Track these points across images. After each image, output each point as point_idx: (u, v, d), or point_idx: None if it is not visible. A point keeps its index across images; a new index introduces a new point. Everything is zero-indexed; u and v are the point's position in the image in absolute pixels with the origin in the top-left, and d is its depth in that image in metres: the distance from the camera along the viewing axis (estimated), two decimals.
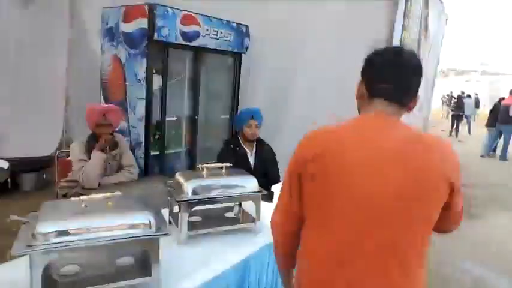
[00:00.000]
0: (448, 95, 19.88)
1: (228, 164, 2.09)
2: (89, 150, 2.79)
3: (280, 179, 3.14)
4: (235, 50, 3.85)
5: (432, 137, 1.11)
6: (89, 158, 2.75)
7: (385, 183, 1.02)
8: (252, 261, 1.83)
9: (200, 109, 3.78)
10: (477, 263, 3.57)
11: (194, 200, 1.84)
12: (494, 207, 5.37)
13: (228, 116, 4.10)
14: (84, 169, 2.71)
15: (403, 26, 3.34)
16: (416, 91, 1.16)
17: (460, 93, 15.90)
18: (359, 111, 1.23)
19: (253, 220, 2.04)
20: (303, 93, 3.89)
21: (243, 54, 4.00)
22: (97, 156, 2.75)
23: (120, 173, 2.93)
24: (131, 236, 1.40)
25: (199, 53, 3.61)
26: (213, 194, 1.90)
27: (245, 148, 3.02)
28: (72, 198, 1.47)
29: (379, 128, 1.11)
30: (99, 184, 2.77)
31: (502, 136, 8.92)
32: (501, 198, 5.79)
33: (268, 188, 2.52)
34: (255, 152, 3.05)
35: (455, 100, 14.75)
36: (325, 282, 1.09)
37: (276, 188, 2.69)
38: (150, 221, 1.45)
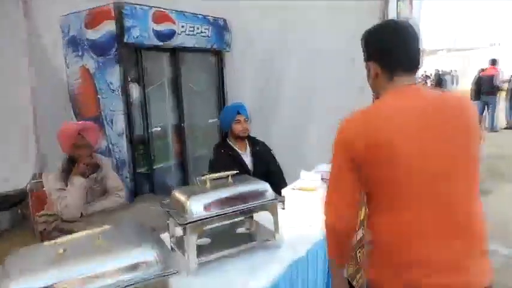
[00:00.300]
0: (422, 75, 20.07)
1: (234, 172, 1.76)
2: (65, 177, 2.42)
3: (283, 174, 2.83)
4: (216, 47, 3.52)
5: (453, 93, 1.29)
6: (67, 185, 2.38)
7: (437, 147, 1.09)
8: (281, 284, 1.51)
9: (185, 115, 3.43)
10: (501, 242, 3.35)
11: (203, 219, 1.51)
12: (498, 180, 5.19)
13: (216, 120, 3.75)
14: (62, 199, 2.33)
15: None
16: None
17: (435, 71, 16.03)
18: (376, 92, 1.26)
19: (272, 234, 1.71)
20: (295, 90, 3.58)
21: (226, 52, 3.67)
22: (77, 182, 2.38)
23: (106, 198, 2.56)
24: (132, 282, 1.06)
25: (177, 53, 3.26)
26: (224, 208, 1.56)
27: (238, 150, 2.70)
28: (46, 243, 1.11)
29: (415, 99, 1.16)
30: (81, 214, 2.40)
31: (487, 108, 8.87)
32: (502, 171, 5.64)
33: (276, 191, 2.24)
34: (250, 151, 2.74)
35: (432, 79, 14.83)
36: (423, 257, 1.10)
37: (287, 192, 2.38)
38: (154, 257, 1.11)
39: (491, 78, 8.42)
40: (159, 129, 3.26)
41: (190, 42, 3.25)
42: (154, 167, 3.21)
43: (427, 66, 20.48)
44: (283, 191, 2.35)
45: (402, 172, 1.09)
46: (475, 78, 9.94)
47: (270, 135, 3.62)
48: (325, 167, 2.85)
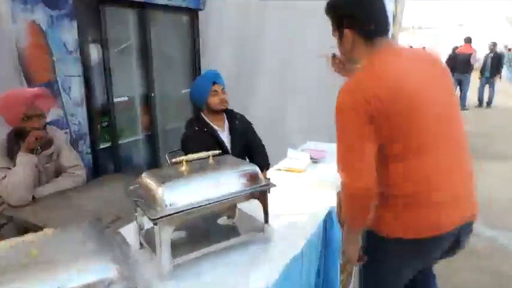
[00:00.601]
0: None
1: (216, 152, 1.46)
2: (11, 153, 2.04)
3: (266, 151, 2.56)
4: (190, 6, 3.10)
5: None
6: (14, 165, 2.00)
7: (439, 94, 1.22)
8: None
9: (156, 84, 3.04)
10: (485, 223, 3.28)
11: (179, 212, 1.21)
12: (474, 159, 5.16)
13: (190, 90, 3.39)
14: (8, 180, 1.96)
15: None
16: None
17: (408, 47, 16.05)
18: (350, 58, 1.30)
19: (260, 226, 1.44)
20: (276, 58, 3.27)
21: (200, 12, 3.26)
22: (25, 159, 2.01)
23: (61, 178, 2.20)
24: None
25: (146, 11, 2.84)
26: (205, 198, 1.27)
27: (214, 126, 2.39)
28: None
29: (410, 55, 1.28)
30: (33, 198, 2.04)
31: (460, 86, 8.91)
32: (476, 148, 5.63)
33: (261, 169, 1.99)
34: (228, 127, 2.43)
35: None
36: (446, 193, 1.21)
37: (272, 174, 2.12)
38: (116, 273, 0.82)
39: (467, 56, 8.40)
40: (125, 99, 2.87)
41: None
42: (119, 142, 2.85)
43: (399, 42, 20.48)
44: (268, 173, 2.08)
45: (425, 119, 1.17)
46: (449, 55, 9.96)
47: (248, 108, 3.32)
48: (313, 145, 2.61)
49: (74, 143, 2.56)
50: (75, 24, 2.39)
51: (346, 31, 1.24)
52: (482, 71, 9.43)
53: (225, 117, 2.43)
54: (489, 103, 9.48)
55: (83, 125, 2.54)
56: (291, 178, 2.03)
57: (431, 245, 1.25)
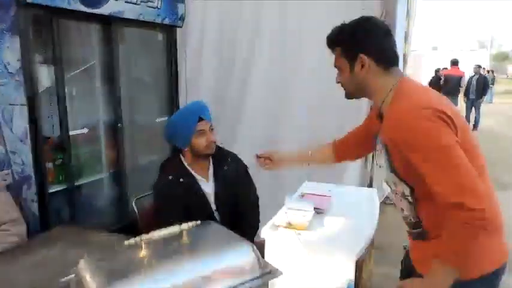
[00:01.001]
0: None
1: (191, 224, 1.00)
2: None
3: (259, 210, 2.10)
4: (166, 22, 2.66)
5: None
6: None
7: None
8: None
9: (124, 112, 2.56)
10: None
11: None
12: None
13: (167, 118, 2.91)
14: None
15: None
16: None
17: None
18: (355, 83, 1.22)
19: None
20: (267, 82, 2.86)
21: (177, 29, 2.83)
22: None
23: None
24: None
25: (112, 26, 2.37)
26: None
27: (195, 174, 1.92)
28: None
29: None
30: None
31: None
32: None
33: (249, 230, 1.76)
34: (214, 174, 1.96)
35: None
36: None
37: (268, 234, 1.64)
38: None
39: (458, 78, 8.26)
40: (85, 131, 2.37)
41: (131, 13, 2.37)
42: (77, 183, 2.32)
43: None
44: (263, 232, 1.62)
45: (472, 139, 1.16)
46: (432, 77, 9.88)
47: (234, 141, 2.88)
48: (313, 187, 2.17)
49: (16, 187, 2.04)
50: (17, 40, 1.90)
51: (363, 57, 1.17)
52: (466, 94, 9.32)
53: (211, 161, 1.97)
54: (475, 126, 9.34)
55: (27, 164, 2.02)
56: (292, 238, 1.56)
57: (502, 274, 1.19)
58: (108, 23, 2.34)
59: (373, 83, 1.20)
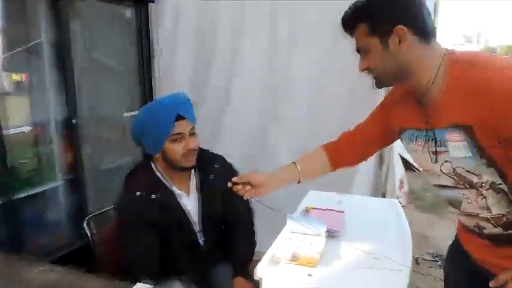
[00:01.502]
0: None
1: None
2: None
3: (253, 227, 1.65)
4: None
5: None
6: None
7: None
8: None
9: (82, 105, 2.06)
10: None
11: None
12: None
13: (137, 112, 2.41)
14: None
15: None
16: None
17: None
18: (397, 62, 0.98)
19: None
20: (258, 71, 2.37)
21: (150, 4, 2.33)
22: None
23: None
24: None
25: None
26: None
27: (172, 187, 1.46)
28: None
29: None
30: None
31: None
32: None
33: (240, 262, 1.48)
34: (198, 186, 1.52)
35: None
36: None
37: (266, 272, 1.12)
38: None
39: None
40: (27, 129, 1.87)
41: None
42: (18, 196, 1.82)
43: None
44: (259, 269, 1.14)
45: None
46: None
47: (219, 131, 2.40)
48: (320, 198, 1.71)
49: None
50: None
51: (401, 28, 0.93)
52: None
53: (193, 170, 1.51)
54: None
55: None
56: (300, 282, 1.09)
57: None
58: None
59: (415, 60, 0.97)
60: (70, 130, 2.03)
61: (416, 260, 3.03)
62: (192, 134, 1.43)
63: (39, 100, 1.98)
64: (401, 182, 4.18)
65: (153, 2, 2.32)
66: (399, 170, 4.16)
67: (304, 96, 2.30)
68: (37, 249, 1.91)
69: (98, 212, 1.66)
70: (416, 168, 5.00)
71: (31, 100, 1.97)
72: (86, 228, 1.56)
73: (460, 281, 1.24)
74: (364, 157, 1.42)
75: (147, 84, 2.41)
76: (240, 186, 1.24)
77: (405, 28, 0.94)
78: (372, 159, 2.23)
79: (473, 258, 1.16)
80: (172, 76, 2.43)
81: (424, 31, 0.96)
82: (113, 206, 1.48)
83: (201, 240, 1.52)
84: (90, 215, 1.62)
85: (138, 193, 1.38)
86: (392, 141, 1.36)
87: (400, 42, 0.95)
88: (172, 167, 1.43)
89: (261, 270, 1.12)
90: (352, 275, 1.13)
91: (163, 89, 2.41)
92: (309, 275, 1.10)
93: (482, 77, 0.90)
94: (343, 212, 1.49)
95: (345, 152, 1.35)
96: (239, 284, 1.50)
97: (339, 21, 1.06)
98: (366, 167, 2.22)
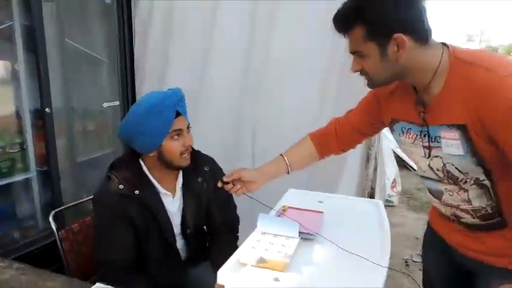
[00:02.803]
0: None
1: None
2: None
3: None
4: None
5: None
6: None
7: None
8: None
9: (57, 94, 1.96)
10: None
11: None
12: None
13: (117, 103, 2.31)
14: None
15: None
16: None
17: None
18: (396, 70, 0.96)
19: None
20: (242, 69, 2.23)
21: None
22: None
23: None
24: None
25: None
26: None
27: (159, 186, 1.40)
28: None
29: None
30: None
31: None
32: None
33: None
34: (184, 187, 1.45)
35: None
36: None
37: (228, 278, 1.01)
38: None
39: None
40: None
41: None
42: None
43: None
44: (220, 274, 1.05)
45: None
46: None
47: (195, 122, 2.28)
48: (301, 196, 1.62)
49: None
50: None
51: (399, 36, 0.89)
52: None
53: (181, 171, 1.45)
54: None
55: None
56: (266, 284, 1.01)
57: None
58: None
59: (414, 63, 0.95)
60: (43, 120, 1.93)
61: (406, 262, 2.96)
62: (188, 130, 1.38)
63: (11, 88, 1.89)
64: (394, 181, 4.11)
65: None
66: (392, 169, 4.10)
67: (279, 96, 2.19)
68: (7, 242, 1.83)
69: (65, 206, 1.58)
70: (411, 167, 4.92)
71: (3, 88, 1.88)
72: (52, 223, 1.48)
73: (440, 267, 1.27)
74: (352, 145, 1.41)
75: (129, 73, 2.31)
76: (230, 185, 1.25)
77: (405, 37, 0.90)
78: (358, 159, 2.14)
79: (448, 241, 1.19)
80: (157, 64, 2.30)
81: (422, 33, 0.93)
82: (92, 197, 1.39)
83: (179, 243, 1.47)
84: (57, 209, 1.53)
85: (121, 186, 1.30)
86: (379, 131, 1.37)
87: (398, 50, 0.92)
88: (166, 166, 1.37)
89: (222, 276, 1.04)
90: (324, 280, 1.05)
91: (144, 81, 2.30)
92: (276, 279, 1.02)
93: (485, 78, 0.87)
94: (322, 212, 1.41)
95: (333, 140, 1.34)
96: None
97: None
98: (352, 167, 2.13)
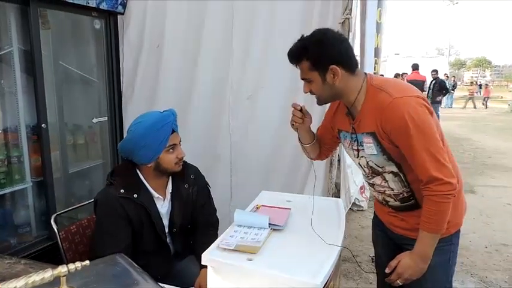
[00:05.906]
0: None
1: (76, 266, 0.67)
2: None
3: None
4: (104, 6, 2.30)
5: None
6: None
7: None
8: None
9: (51, 111, 2.16)
10: None
11: None
12: None
13: (105, 118, 2.52)
14: None
15: None
16: None
17: None
18: (333, 92, 1.30)
19: None
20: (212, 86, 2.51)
21: (120, 16, 2.47)
22: None
23: None
24: None
25: (31, 6, 1.98)
26: None
27: (153, 191, 1.62)
28: None
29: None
30: None
31: None
32: None
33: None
34: (173, 192, 1.69)
35: None
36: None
37: (210, 257, 1.30)
38: None
39: (421, 83, 8.27)
40: None
41: None
42: None
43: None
44: (204, 257, 1.29)
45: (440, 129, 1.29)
46: None
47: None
48: (271, 197, 1.88)
49: None
50: None
51: (334, 67, 1.25)
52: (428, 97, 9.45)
53: (170, 177, 1.68)
54: None
55: None
56: (240, 265, 1.26)
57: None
58: (26, 2, 1.95)
59: (345, 86, 1.29)
60: (39, 135, 2.12)
61: (372, 259, 3.23)
62: (180, 144, 1.63)
63: (9, 106, 2.08)
64: (363, 188, 4.39)
65: (122, 14, 2.46)
66: (360, 176, 4.37)
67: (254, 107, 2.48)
68: (4, 246, 1.99)
69: (67, 209, 1.78)
70: None
71: (2, 106, 2.06)
72: (54, 225, 1.67)
73: (382, 243, 1.59)
74: (325, 156, 1.68)
75: (116, 92, 2.53)
76: (300, 113, 1.43)
77: (338, 68, 1.24)
78: (323, 164, 2.43)
79: (383, 221, 1.52)
80: (144, 85, 2.53)
81: (351, 66, 1.28)
82: (93, 200, 1.59)
83: (168, 240, 1.68)
84: (58, 213, 1.73)
85: (122, 190, 1.52)
86: (338, 142, 1.61)
87: (334, 77, 1.26)
88: (161, 173, 1.60)
89: (206, 257, 1.28)
90: (290, 262, 1.29)
91: (132, 98, 2.53)
92: (249, 259, 1.26)
93: (383, 100, 1.23)
94: (289, 209, 1.67)
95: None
96: (204, 273, 1.67)
97: None
98: (317, 172, 2.41)
